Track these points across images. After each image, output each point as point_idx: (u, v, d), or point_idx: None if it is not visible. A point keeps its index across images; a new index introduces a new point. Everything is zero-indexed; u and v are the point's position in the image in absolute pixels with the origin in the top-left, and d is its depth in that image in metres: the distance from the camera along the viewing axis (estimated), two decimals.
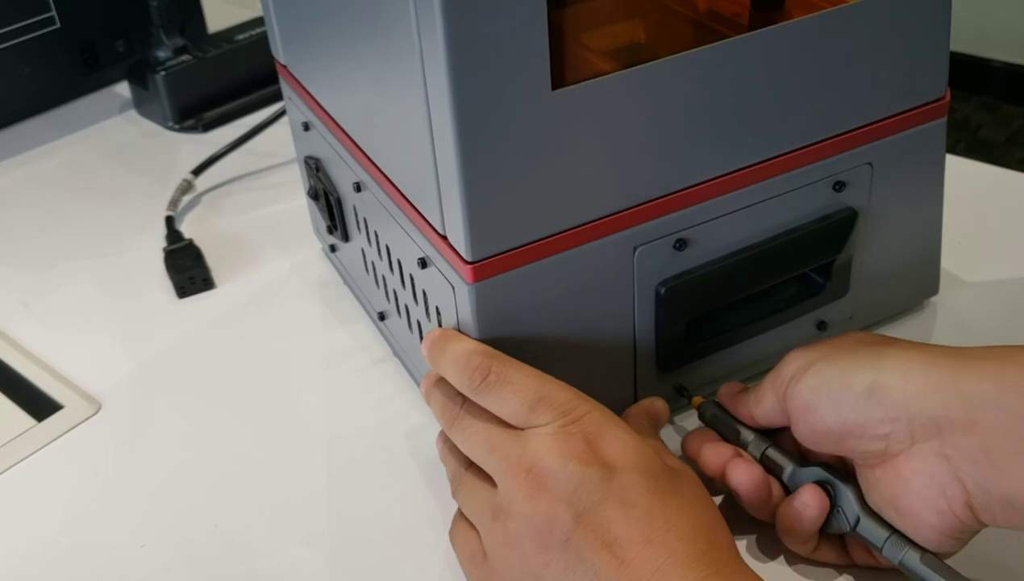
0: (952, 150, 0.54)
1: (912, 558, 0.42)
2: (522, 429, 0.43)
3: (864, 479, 0.43)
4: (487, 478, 0.44)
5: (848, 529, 0.44)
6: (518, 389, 0.43)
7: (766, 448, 0.46)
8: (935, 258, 0.58)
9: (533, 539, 0.40)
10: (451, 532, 0.47)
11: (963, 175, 0.55)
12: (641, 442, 0.42)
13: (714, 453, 0.47)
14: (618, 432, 0.42)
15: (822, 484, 0.44)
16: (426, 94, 0.42)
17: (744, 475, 0.45)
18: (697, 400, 0.50)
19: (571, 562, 0.40)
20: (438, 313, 0.49)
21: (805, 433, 0.44)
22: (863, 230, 0.53)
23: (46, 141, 0.89)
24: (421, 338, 0.53)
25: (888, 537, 0.42)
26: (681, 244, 0.48)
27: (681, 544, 0.39)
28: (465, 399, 0.45)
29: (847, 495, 0.44)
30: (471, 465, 0.45)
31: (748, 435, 0.47)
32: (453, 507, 0.47)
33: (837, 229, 0.52)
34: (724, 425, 0.48)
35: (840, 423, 0.42)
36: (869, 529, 0.43)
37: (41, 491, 0.55)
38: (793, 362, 0.45)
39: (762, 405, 0.46)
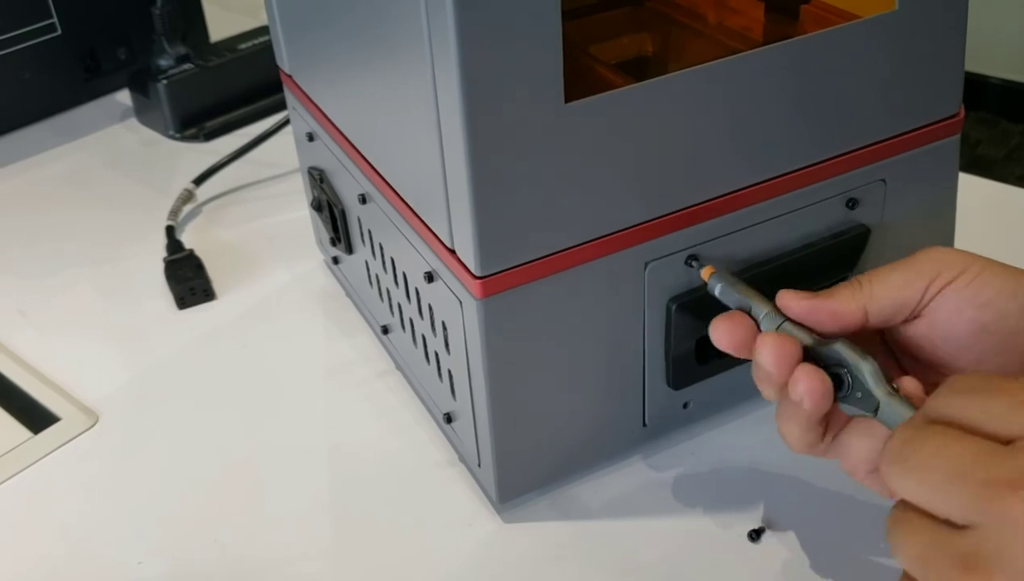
0: None
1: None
2: (1008, 441, 0.32)
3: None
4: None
5: (870, 413, 0.40)
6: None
7: (782, 323, 0.43)
8: None
9: None
10: None
11: (964, 191, 0.55)
12: None
13: (737, 328, 0.42)
14: None
15: (836, 369, 0.41)
16: (437, 105, 0.41)
17: (814, 380, 0.40)
18: (708, 270, 0.46)
19: None
20: (444, 328, 0.49)
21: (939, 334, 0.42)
22: (875, 247, 0.52)
23: (46, 148, 0.88)
24: (426, 352, 0.52)
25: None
26: (693, 260, 0.47)
27: None
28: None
29: (867, 376, 0.40)
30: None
31: (761, 309, 0.44)
32: (457, 521, 0.46)
33: (850, 246, 0.51)
34: (734, 299, 0.44)
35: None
36: (892, 411, 0.39)
37: (37, 505, 0.54)
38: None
39: (887, 293, 0.42)
